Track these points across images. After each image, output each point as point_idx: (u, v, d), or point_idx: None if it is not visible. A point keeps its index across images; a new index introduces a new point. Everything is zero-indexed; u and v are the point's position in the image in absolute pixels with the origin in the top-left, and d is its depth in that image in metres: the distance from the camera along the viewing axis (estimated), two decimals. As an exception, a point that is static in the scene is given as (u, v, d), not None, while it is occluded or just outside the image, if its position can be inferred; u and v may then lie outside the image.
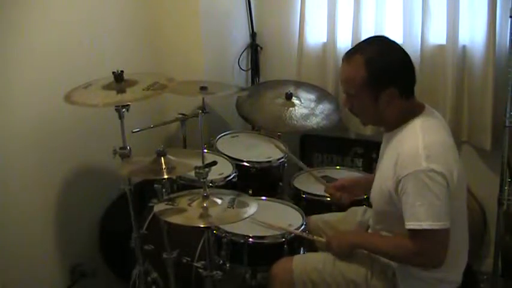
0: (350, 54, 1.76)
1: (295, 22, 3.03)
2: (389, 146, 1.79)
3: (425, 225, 1.61)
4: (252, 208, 1.81)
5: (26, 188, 2.19)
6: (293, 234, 2.09)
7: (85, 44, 2.39)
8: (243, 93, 2.92)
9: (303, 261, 1.94)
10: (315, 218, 2.22)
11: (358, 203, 2.25)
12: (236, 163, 2.50)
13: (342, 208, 2.25)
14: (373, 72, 1.69)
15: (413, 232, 1.65)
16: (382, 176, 1.79)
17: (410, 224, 1.64)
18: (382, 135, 1.97)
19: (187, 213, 1.77)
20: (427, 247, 1.65)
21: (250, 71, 3.31)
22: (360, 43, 1.80)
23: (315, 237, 2.07)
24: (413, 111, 1.76)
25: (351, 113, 1.84)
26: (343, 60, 1.78)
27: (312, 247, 2.15)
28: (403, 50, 1.76)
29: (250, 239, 2.07)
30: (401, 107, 1.74)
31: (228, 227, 2.09)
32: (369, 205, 2.04)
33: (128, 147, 2.06)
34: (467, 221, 1.83)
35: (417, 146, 1.65)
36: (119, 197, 2.57)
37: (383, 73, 1.70)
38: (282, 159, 2.60)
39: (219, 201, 1.83)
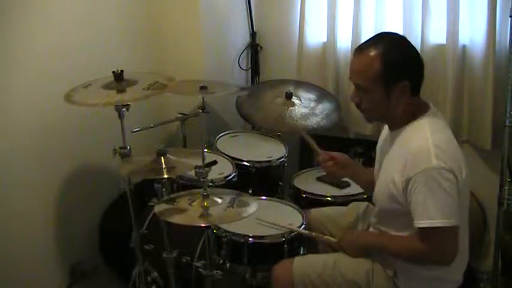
0: (363, 47, 1.74)
1: (295, 22, 3.03)
2: (396, 145, 1.77)
3: (436, 223, 1.61)
4: (252, 208, 1.81)
5: (26, 188, 2.19)
6: (293, 234, 2.08)
7: (85, 44, 2.39)
8: (243, 92, 2.91)
9: (303, 264, 1.93)
10: (316, 213, 2.21)
11: (360, 200, 2.25)
12: (236, 163, 2.50)
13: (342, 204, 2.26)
14: (387, 64, 1.68)
15: (425, 230, 1.64)
16: (388, 175, 1.76)
17: (421, 223, 1.63)
18: (381, 135, 1.97)
19: (188, 212, 1.77)
20: (439, 245, 1.65)
21: (250, 71, 3.31)
22: (371, 38, 1.78)
23: (325, 237, 2.05)
24: (420, 109, 1.75)
25: (358, 108, 1.82)
26: (355, 53, 1.76)
27: (312, 247, 2.15)
28: (413, 46, 1.76)
29: (250, 239, 2.06)
30: (410, 104, 1.73)
31: (228, 227, 2.09)
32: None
33: (128, 147, 2.06)
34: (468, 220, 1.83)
35: (427, 144, 1.64)
36: (119, 197, 2.58)
37: (397, 66, 1.69)
38: (282, 159, 2.60)
39: (219, 200, 1.83)
